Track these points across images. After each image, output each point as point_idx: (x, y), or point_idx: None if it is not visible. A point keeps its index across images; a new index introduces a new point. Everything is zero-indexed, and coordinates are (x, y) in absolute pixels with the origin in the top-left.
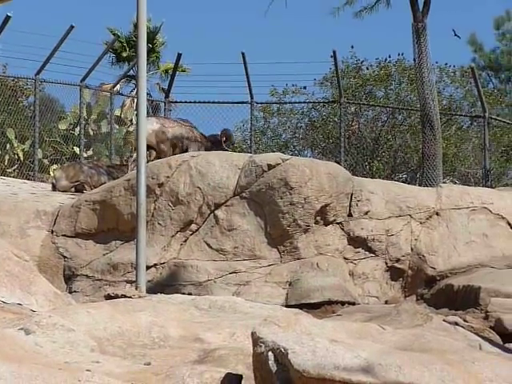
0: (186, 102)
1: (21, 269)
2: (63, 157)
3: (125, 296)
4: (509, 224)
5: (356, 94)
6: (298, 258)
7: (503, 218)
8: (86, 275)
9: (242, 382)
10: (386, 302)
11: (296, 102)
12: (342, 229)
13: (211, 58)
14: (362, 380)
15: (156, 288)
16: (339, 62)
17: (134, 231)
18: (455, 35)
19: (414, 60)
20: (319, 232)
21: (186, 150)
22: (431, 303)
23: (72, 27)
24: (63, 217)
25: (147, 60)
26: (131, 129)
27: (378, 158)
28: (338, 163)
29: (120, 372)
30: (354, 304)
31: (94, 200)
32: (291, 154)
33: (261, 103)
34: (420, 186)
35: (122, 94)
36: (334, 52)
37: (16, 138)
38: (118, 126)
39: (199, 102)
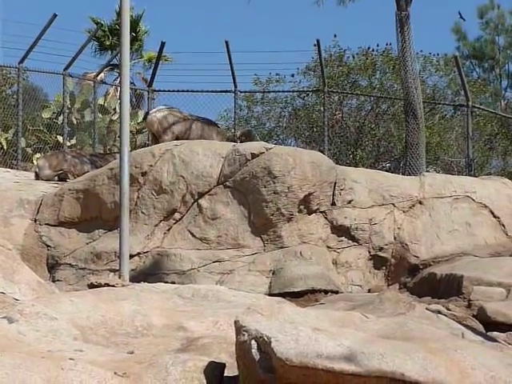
0: (169, 91)
1: (4, 257)
2: (46, 145)
3: (108, 285)
4: (491, 213)
5: (340, 83)
6: (282, 247)
7: (486, 206)
8: (70, 264)
9: (225, 370)
10: (369, 291)
11: (280, 91)
12: (326, 217)
13: (195, 46)
14: (345, 368)
15: (139, 277)
16: (322, 52)
17: (117, 220)
18: (460, 17)
19: (398, 49)
20: (302, 221)
21: None
22: (414, 292)
23: (55, 16)
24: (46, 206)
25: (130, 49)
26: (114, 117)
27: (362, 147)
28: (322, 152)
29: (103, 360)
30: (337, 292)
31: (77, 189)
32: (275, 143)
33: (244, 92)
34: (403, 174)
35: (106, 83)
36: (318, 41)
37: None
38: (101, 115)
39: (182, 91)
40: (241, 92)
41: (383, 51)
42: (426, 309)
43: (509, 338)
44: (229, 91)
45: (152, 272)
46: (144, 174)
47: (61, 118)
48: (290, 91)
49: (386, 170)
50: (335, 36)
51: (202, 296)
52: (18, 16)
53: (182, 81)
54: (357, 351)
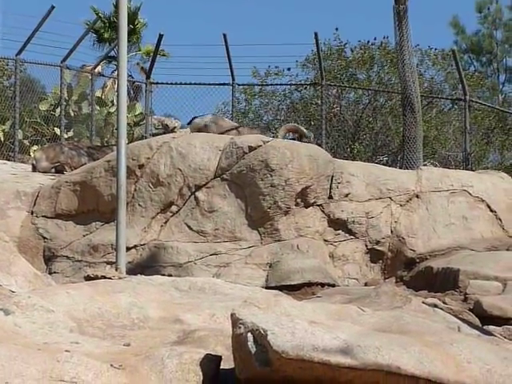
0: (167, 84)
1: (0, 250)
2: (44, 138)
3: (105, 277)
4: (488, 207)
5: (338, 76)
6: (279, 240)
7: (483, 200)
8: (66, 256)
9: (222, 363)
10: (366, 284)
11: (277, 84)
12: (323, 211)
13: (193, 39)
14: (341, 361)
15: (136, 269)
16: (321, 45)
17: (114, 212)
18: None
19: (396, 43)
20: (300, 214)
21: None
22: (410, 285)
23: (53, 7)
24: (43, 198)
25: (128, 41)
26: (112, 110)
27: (359, 141)
28: (319, 145)
29: (99, 353)
30: (333, 286)
31: (74, 181)
32: (272, 136)
33: (242, 85)
34: (400, 168)
35: (103, 75)
36: (316, 34)
37: None
38: (98, 107)
39: (180, 84)
40: (239, 85)
41: (381, 44)
42: (423, 302)
43: (505, 332)
44: (227, 84)
45: (149, 264)
46: (141, 166)
47: (58, 110)
48: (287, 84)
49: (384, 164)
50: (337, 29)
51: (199, 289)
52: (17, 8)
53: (180, 73)
54: (353, 344)
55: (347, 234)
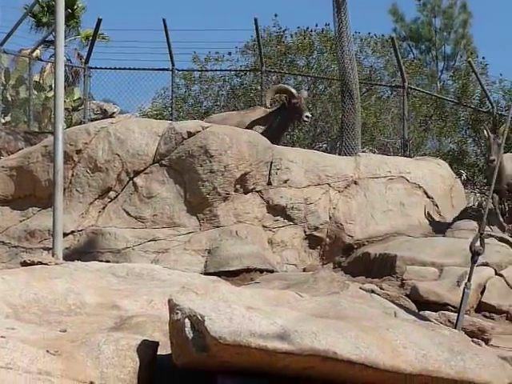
0: (105, 69)
1: None
2: None
3: (41, 263)
4: (425, 193)
5: (278, 62)
6: (218, 226)
7: (420, 187)
8: (3, 242)
9: (159, 348)
10: (304, 270)
11: (217, 70)
12: (262, 197)
13: (132, 24)
14: (278, 347)
15: (73, 255)
16: (261, 31)
17: (51, 198)
18: None
19: (335, 30)
20: (239, 200)
21: None
22: (348, 271)
23: None
24: None
25: (67, 25)
26: (50, 95)
27: (299, 127)
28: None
29: (35, 339)
30: (272, 272)
31: (10, 166)
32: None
33: (182, 70)
34: (339, 155)
35: (41, 60)
36: (256, 20)
37: None
38: (36, 92)
39: (119, 69)
40: (178, 70)
41: (321, 31)
42: (360, 288)
43: (441, 317)
44: (166, 69)
45: (86, 250)
46: (79, 151)
47: None
48: (227, 70)
49: (323, 151)
50: (276, 16)
51: (137, 275)
52: None
53: (119, 58)
54: (290, 330)
55: (286, 220)
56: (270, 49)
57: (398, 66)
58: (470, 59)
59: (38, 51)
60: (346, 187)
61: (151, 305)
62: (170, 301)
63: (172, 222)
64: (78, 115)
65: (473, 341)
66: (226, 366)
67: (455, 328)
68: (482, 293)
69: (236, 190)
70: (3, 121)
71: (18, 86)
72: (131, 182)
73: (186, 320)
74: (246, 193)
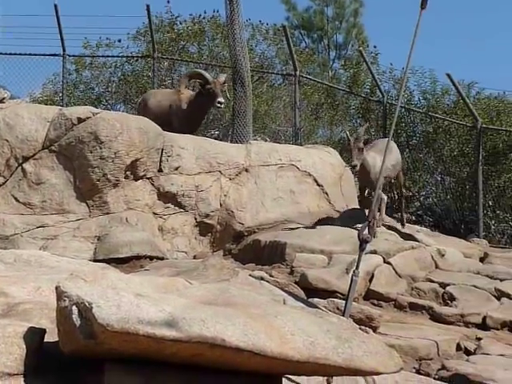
0: None
1: None
2: None
3: None
4: (315, 181)
5: (169, 49)
6: (107, 213)
7: (310, 175)
8: None
9: (46, 335)
10: (195, 257)
11: (109, 56)
12: (152, 184)
13: (23, 9)
14: (166, 334)
15: None
16: (153, 17)
17: None
18: None
19: (226, 17)
20: (129, 187)
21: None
22: (239, 258)
23: None
24: None
25: None
26: None
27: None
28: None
29: None
30: (162, 259)
31: None
32: (104, 109)
33: (73, 56)
34: (231, 142)
35: None
36: (148, 6)
37: None
38: None
39: (10, 54)
40: (69, 56)
41: (212, 18)
42: (250, 275)
43: (329, 305)
44: (57, 55)
45: None
46: None
47: None
48: (119, 56)
49: (215, 138)
50: (168, 2)
51: (25, 261)
52: None
53: (10, 44)
54: (178, 317)
55: (177, 207)
56: (161, 35)
57: (290, 55)
58: (360, 48)
59: None
60: (237, 175)
61: (39, 292)
62: (57, 288)
63: (61, 208)
64: None
65: (360, 328)
66: (114, 354)
67: (343, 315)
68: (371, 280)
69: (126, 177)
70: None
71: None
72: (20, 167)
73: (74, 307)
74: (136, 179)
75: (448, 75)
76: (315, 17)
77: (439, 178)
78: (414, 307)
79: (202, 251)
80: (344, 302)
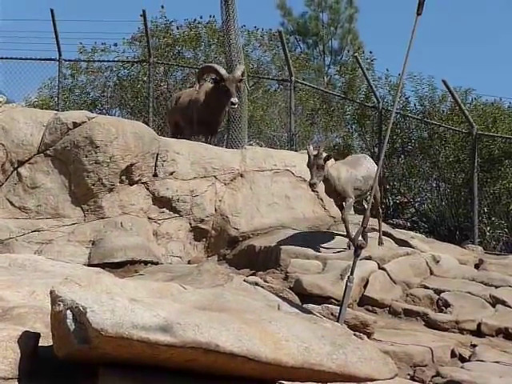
0: None
1: None
2: None
3: None
4: None
5: (165, 54)
6: (102, 218)
7: (305, 180)
8: None
9: (40, 340)
10: (189, 262)
11: (105, 61)
12: (147, 189)
13: (19, 14)
14: (160, 339)
15: None
16: (149, 22)
17: None
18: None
19: (222, 22)
20: (124, 191)
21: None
22: (233, 263)
23: None
24: None
25: None
26: None
27: None
28: (147, 123)
29: None
30: (157, 264)
31: None
32: (99, 113)
33: (69, 60)
34: (226, 148)
35: None
36: (144, 11)
37: None
38: None
39: (6, 58)
40: (65, 60)
41: (208, 23)
42: (244, 280)
43: (324, 310)
44: (53, 59)
45: None
46: None
47: None
48: (115, 61)
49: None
50: (162, 7)
51: (19, 265)
52: None
53: (6, 48)
54: (173, 322)
55: (172, 212)
56: (157, 40)
57: (286, 60)
58: (356, 54)
59: None
60: (232, 180)
61: (33, 296)
62: (52, 292)
63: (56, 212)
64: None
65: (355, 334)
66: (108, 358)
67: (338, 321)
68: (365, 286)
69: (121, 182)
70: None
71: None
72: (15, 172)
73: (68, 312)
74: (131, 184)
75: (444, 81)
76: (310, 22)
77: (434, 185)
78: (408, 313)
79: (197, 256)
80: (339, 307)
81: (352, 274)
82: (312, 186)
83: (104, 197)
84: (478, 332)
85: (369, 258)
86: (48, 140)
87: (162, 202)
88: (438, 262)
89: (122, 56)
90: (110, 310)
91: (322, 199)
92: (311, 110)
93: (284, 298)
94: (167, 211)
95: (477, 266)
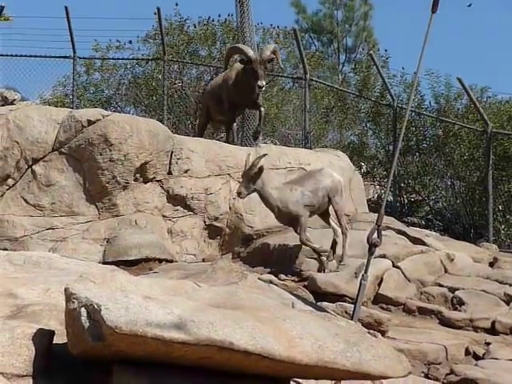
0: (6, 56)
1: None
2: None
3: None
4: None
5: (180, 52)
6: (117, 215)
7: None
8: None
9: (55, 337)
10: (203, 260)
11: (119, 59)
12: (162, 186)
13: (34, 11)
14: (175, 336)
15: None
16: (163, 20)
17: None
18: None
19: (237, 20)
20: (138, 189)
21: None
22: (247, 261)
23: None
24: None
25: None
26: None
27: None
28: (161, 121)
29: None
30: (171, 261)
31: None
32: (114, 111)
33: (84, 58)
34: (241, 146)
35: None
36: (158, 9)
37: None
38: None
39: (21, 56)
40: (80, 58)
41: (224, 21)
42: (258, 278)
43: (338, 308)
44: (68, 57)
45: None
46: None
47: None
48: (130, 59)
49: (224, 141)
50: (177, 5)
51: (34, 263)
52: None
53: (21, 45)
54: (187, 320)
55: (186, 210)
56: (172, 38)
57: (300, 58)
58: (371, 52)
59: None
60: None
61: (48, 293)
62: (66, 289)
63: (71, 210)
64: None
65: (369, 332)
66: (123, 356)
67: (352, 319)
68: (380, 284)
69: (136, 179)
70: None
71: None
72: (30, 169)
73: (83, 309)
74: (145, 182)
75: (459, 79)
76: (325, 20)
77: (449, 183)
78: (422, 311)
79: (211, 254)
80: (353, 305)
81: (366, 272)
82: (238, 194)
83: (118, 195)
84: (492, 330)
85: (383, 256)
86: (62, 138)
87: (176, 199)
88: (452, 260)
89: (137, 54)
90: (125, 308)
91: None
92: (326, 108)
93: (298, 296)
94: (181, 209)
95: (491, 264)
